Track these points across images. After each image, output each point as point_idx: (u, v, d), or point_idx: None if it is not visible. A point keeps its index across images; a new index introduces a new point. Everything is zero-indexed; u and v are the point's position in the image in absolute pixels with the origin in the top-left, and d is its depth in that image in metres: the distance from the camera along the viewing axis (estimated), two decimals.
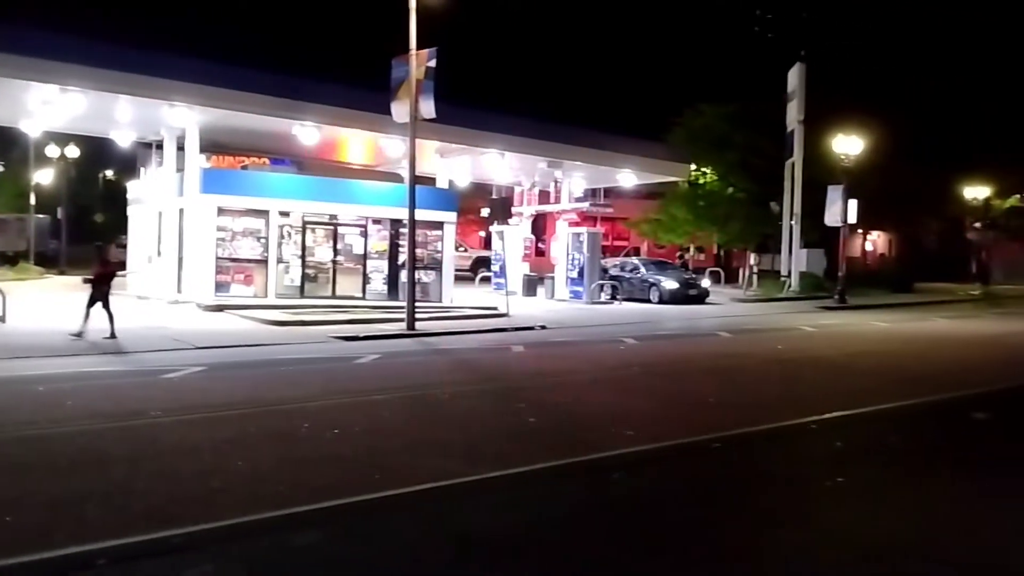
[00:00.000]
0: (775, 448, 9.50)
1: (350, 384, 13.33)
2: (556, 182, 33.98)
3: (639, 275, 32.64)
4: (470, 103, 27.29)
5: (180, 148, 25.46)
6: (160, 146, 27.34)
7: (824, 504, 7.32)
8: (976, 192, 45.53)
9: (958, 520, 6.87)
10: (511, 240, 33.18)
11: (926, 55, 48.16)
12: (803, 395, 12.69)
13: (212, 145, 26.71)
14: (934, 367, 16.08)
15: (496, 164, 30.18)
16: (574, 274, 31.08)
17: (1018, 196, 49.24)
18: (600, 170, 32.86)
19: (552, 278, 32.45)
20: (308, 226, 25.62)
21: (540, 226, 40.60)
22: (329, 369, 14.98)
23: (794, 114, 36.48)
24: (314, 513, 6.63)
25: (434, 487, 7.33)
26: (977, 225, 48.58)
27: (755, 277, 38.74)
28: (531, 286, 33.16)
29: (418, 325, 20.20)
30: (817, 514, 7.03)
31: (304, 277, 25.47)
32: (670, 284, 31.38)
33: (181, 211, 25.08)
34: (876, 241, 56.95)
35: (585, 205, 34.43)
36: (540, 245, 41.53)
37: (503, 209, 27.27)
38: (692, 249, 45.56)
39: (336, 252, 25.98)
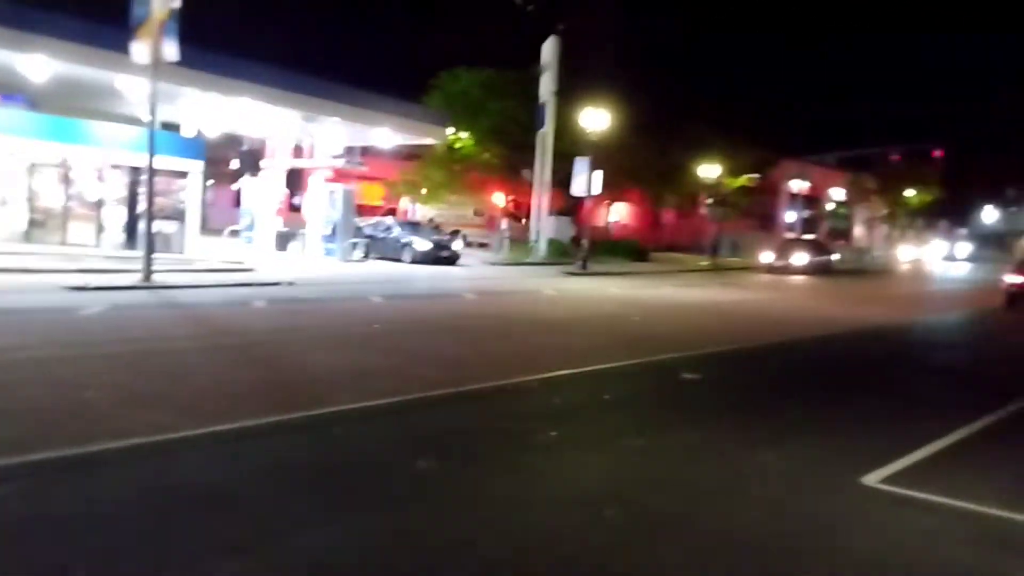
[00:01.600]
0: (499, 404, 9.92)
1: (70, 336, 12.62)
2: (311, 136, 33.43)
3: (393, 235, 32.77)
4: (220, 49, 26.24)
5: None
6: None
7: (537, 456, 7.69)
8: (710, 171, 48.91)
9: (657, 470, 7.43)
10: (262, 194, 32.39)
11: (671, 39, 51.17)
12: (533, 354, 13.24)
13: None
14: (655, 330, 17.31)
15: (247, 114, 29.24)
16: (327, 231, 30.79)
17: (748, 176, 53.36)
18: (356, 127, 32.60)
19: (304, 234, 31.98)
20: (36, 167, 23.82)
21: (295, 181, 39.80)
22: (50, 320, 14.10)
23: (547, 86, 37.78)
24: (8, 469, 6.28)
25: (147, 441, 7.15)
26: (710, 201, 52.31)
27: (506, 242, 39.98)
28: (283, 242, 32.54)
29: (156, 278, 19.36)
30: (530, 465, 7.38)
31: (31, 222, 23.72)
32: (422, 245, 31.77)
33: None
34: (620, 212, 60.07)
35: (340, 162, 34.11)
36: (294, 201, 40.75)
37: (251, 161, 26.52)
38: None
39: (68, 197, 24.34)
